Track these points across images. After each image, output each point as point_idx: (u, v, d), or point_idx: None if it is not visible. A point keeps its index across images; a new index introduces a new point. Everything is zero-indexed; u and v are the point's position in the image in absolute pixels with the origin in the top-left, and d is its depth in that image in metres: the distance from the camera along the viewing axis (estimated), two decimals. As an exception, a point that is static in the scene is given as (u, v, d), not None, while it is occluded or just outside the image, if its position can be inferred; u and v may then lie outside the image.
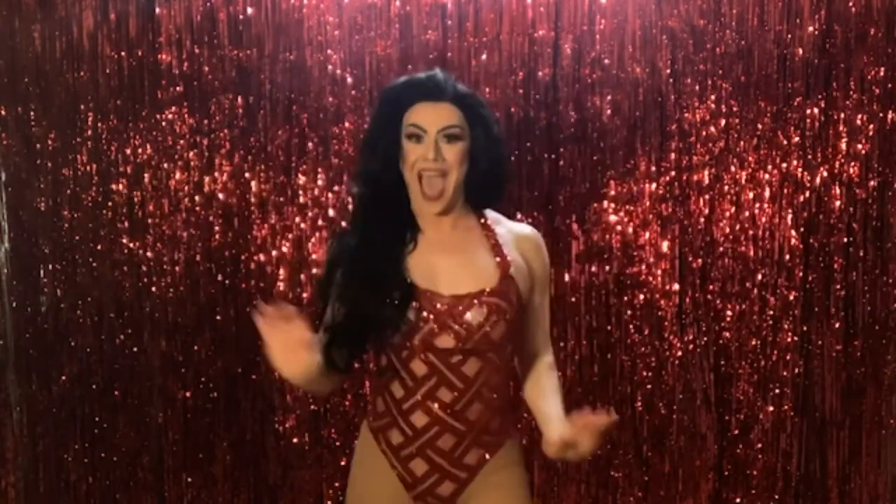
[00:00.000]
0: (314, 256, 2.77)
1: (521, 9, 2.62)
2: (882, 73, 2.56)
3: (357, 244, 1.68)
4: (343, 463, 2.77)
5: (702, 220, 2.66)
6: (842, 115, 2.59)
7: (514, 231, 1.77)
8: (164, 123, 2.80)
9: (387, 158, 1.67)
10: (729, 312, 2.68)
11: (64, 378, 2.96)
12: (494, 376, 1.69)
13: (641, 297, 2.69)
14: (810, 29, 2.56)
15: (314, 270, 2.78)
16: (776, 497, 2.72)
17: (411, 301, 1.63)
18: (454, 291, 1.65)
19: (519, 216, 2.62)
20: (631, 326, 2.70)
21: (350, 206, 1.84)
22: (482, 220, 1.75)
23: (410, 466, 1.70)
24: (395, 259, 1.67)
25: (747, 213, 2.65)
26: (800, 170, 2.62)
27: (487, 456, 1.72)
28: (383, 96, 1.75)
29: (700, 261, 2.67)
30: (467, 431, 1.68)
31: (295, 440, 2.84)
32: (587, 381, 2.73)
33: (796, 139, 2.61)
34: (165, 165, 2.82)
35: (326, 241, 2.69)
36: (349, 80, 2.71)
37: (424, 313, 1.63)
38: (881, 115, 2.57)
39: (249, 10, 2.72)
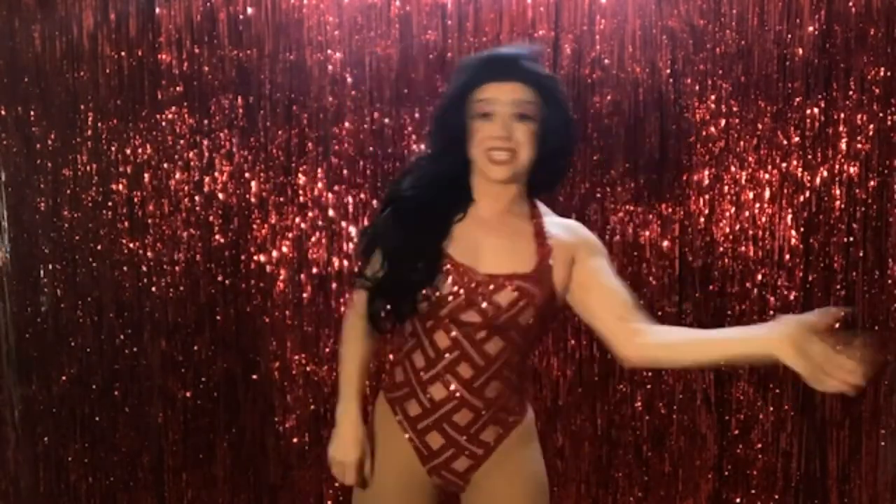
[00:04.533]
0: (313, 256, 2.78)
1: (521, 9, 2.62)
2: (882, 73, 2.56)
3: (409, 204, 1.69)
4: (343, 463, 2.76)
5: (702, 220, 2.66)
6: (842, 115, 2.58)
7: (559, 222, 1.76)
8: (164, 123, 2.80)
9: (453, 138, 1.67)
10: (729, 312, 2.68)
11: (64, 378, 2.96)
12: (516, 356, 1.70)
13: (641, 297, 2.69)
14: (810, 29, 2.56)
15: (314, 270, 2.78)
16: (776, 497, 2.72)
17: (438, 270, 1.64)
18: (490, 270, 1.65)
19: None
20: (631, 326, 2.70)
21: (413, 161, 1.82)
22: (533, 209, 1.75)
23: (426, 439, 1.71)
24: (440, 226, 1.68)
25: (747, 213, 2.65)
26: (800, 170, 2.62)
27: (504, 433, 1.71)
28: (457, 71, 1.74)
29: (700, 261, 2.67)
30: (484, 408, 1.68)
31: (295, 440, 2.84)
32: (587, 381, 2.73)
33: (796, 139, 2.61)
34: (165, 165, 2.82)
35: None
36: (349, 80, 2.71)
37: (456, 287, 1.63)
38: (881, 115, 2.57)
39: (249, 10, 2.72)
